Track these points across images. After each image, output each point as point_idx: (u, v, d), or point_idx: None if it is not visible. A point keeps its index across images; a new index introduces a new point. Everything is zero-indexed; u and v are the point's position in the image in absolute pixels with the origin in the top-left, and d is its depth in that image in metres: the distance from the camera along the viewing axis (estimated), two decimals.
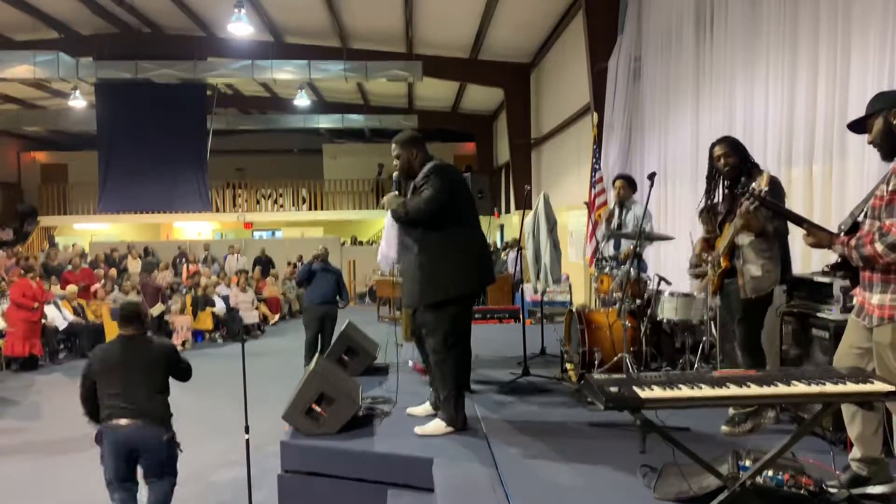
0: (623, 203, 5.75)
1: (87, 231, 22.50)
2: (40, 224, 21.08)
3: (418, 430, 3.83)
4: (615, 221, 5.75)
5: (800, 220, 2.88)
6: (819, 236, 2.78)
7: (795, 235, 4.09)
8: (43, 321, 10.12)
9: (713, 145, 3.84)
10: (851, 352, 2.81)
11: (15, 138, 22.00)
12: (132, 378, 3.88)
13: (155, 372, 3.98)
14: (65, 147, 22.52)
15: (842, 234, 2.77)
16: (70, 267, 13.56)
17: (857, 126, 2.81)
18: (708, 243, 3.95)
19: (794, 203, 4.52)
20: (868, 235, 2.60)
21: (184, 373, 4.21)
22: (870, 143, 2.74)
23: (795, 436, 2.50)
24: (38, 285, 10.09)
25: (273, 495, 3.80)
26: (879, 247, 2.54)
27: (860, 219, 2.77)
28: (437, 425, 3.82)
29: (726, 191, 3.81)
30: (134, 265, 15.83)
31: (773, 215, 3.43)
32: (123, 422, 3.81)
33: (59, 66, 12.45)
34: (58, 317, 10.55)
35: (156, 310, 10.86)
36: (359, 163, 22.70)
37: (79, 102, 15.16)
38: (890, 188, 2.58)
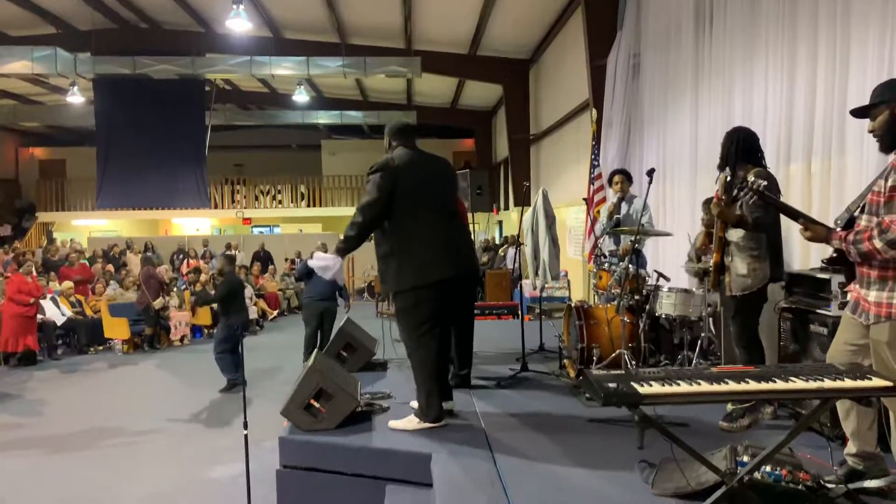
0: (624, 197, 5.77)
1: (86, 227, 22.48)
2: (38, 220, 21.07)
3: (391, 423, 3.83)
4: (616, 216, 5.76)
5: (796, 215, 2.87)
6: (816, 230, 2.78)
7: (793, 231, 4.10)
8: (41, 317, 10.11)
9: None
10: (846, 348, 2.81)
11: (13, 134, 21.98)
12: (238, 296, 8.11)
13: (242, 294, 8.32)
14: (63, 143, 22.49)
15: (838, 228, 2.77)
16: (68, 262, 13.55)
17: (861, 112, 2.78)
18: (710, 238, 3.95)
19: (792, 199, 4.53)
20: (866, 231, 2.59)
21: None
22: (870, 131, 2.71)
23: (793, 431, 2.50)
24: (34, 281, 10.06)
25: (272, 490, 3.80)
26: (878, 243, 2.53)
27: (856, 214, 2.76)
28: (409, 420, 3.81)
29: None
30: (133, 261, 15.82)
31: (759, 207, 3.42)
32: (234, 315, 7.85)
33: (57, 61, 12.42)
34: (56, 312, 10.54)
35: (158, 303, 10.86)
36: (357, 159, 22.64)
37: (77, 98, 15.12)
38: (889, 184, 2.56)
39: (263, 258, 16.97)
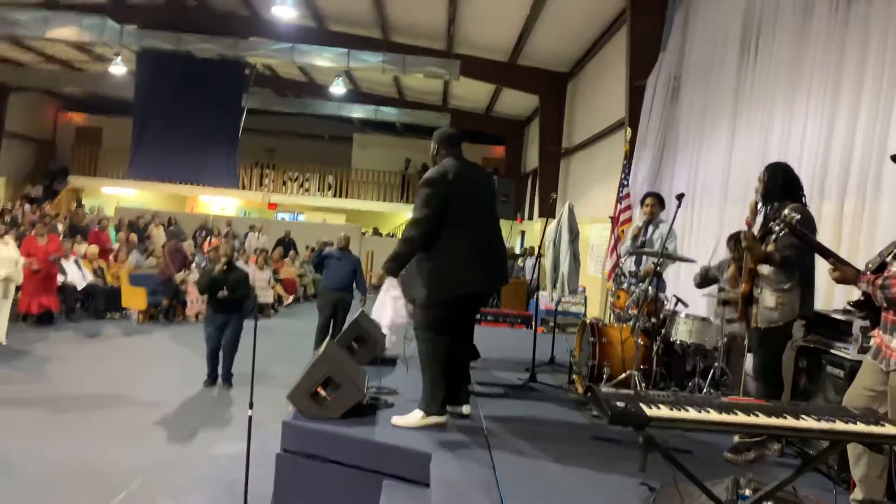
0: (651, 220, 5.73)
1: (115, 195, 22.81)
2: (70, 184, 21.43)
3: (394, 419, 3.85)
4: (641, 239, 5.72)
5: (827, 254, 2.85)
6: (845, 272, 2.75)
7: (818, 271, 4.04)
8: (63, 279, 10.26)
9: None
10: (864, 393, 2.77)
11: (54, 98, 22.38)
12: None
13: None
14: (101, 111, 22.84)
15: (868, 272, 2.73)
16: (99, 227, 13.79)
17: None
18: (740, 271, 3.91)
19: (822, 238, 4.44)
20: (895, 278, 2.56)
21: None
22: None
23: (799, 469, 2.47)
24: (51, 242, 9.94)
25: (270, 473, 3.82)
26: None
27: (888, 259, 2.73)
28: (413, 416, 3.83)
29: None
30: (156, 233, 16.02)
31: (791, 246, 3.39)
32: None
33: (105, 30, 12.63)
34: (78, 276, 10.70)
35: (179, 277, 11.02)
36: (387, 155, 22.77)
37: (119, 69, 15.37)
38: None
39: (287, 244, 17.08)
